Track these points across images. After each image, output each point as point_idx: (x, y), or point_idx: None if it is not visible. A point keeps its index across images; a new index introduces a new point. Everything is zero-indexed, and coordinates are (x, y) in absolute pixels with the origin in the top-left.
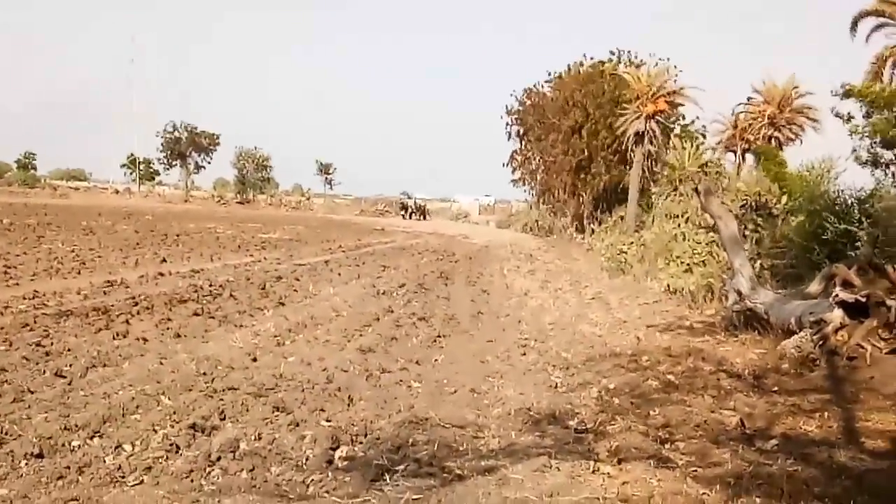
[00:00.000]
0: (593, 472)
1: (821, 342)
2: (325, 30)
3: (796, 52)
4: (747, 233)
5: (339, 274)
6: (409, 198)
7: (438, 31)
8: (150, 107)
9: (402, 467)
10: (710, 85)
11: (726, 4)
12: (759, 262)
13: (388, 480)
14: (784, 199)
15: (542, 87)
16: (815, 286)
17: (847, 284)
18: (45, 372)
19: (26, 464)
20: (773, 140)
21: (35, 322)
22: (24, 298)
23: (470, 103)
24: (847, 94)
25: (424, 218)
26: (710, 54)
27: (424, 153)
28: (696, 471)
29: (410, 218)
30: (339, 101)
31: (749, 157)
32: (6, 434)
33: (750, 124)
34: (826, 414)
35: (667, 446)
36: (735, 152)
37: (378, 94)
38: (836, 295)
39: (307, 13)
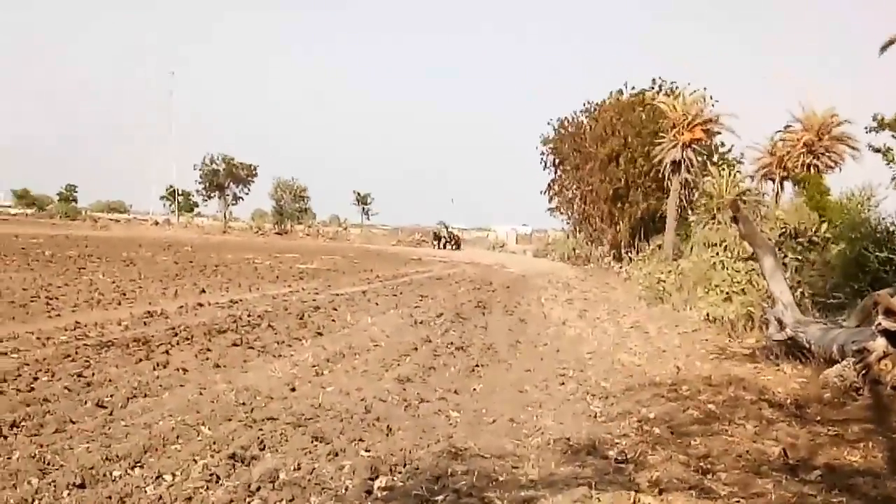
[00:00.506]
0: (634, 502)
1: (864, 371)
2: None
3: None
4: (787, 261)
5: (377, 304)
6: (446, 227)
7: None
8: (185, 139)
9: (441, 498)
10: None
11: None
12: (799, 290)
13: None
14: (824, 226)
15: (578, 116)
16: (857, 315)
17: (890, 313)
18: (86, 402)
19: (68, 494)
20: (811, 168)
21: (76, 353)
22: (66, 329)
23: (508, 132)
24: (880, 125)
25: (458, 247)
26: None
27: (462, 184)
28: (738, 502)
29: (444, 248)
30: (376, 133)
31: (787, 184)
32: (49, 464)
33: (788, 152)
34: (870, 444)
35: (708, 477)
36: (773, 180)
37: (417, 125)
38: (879, 323)
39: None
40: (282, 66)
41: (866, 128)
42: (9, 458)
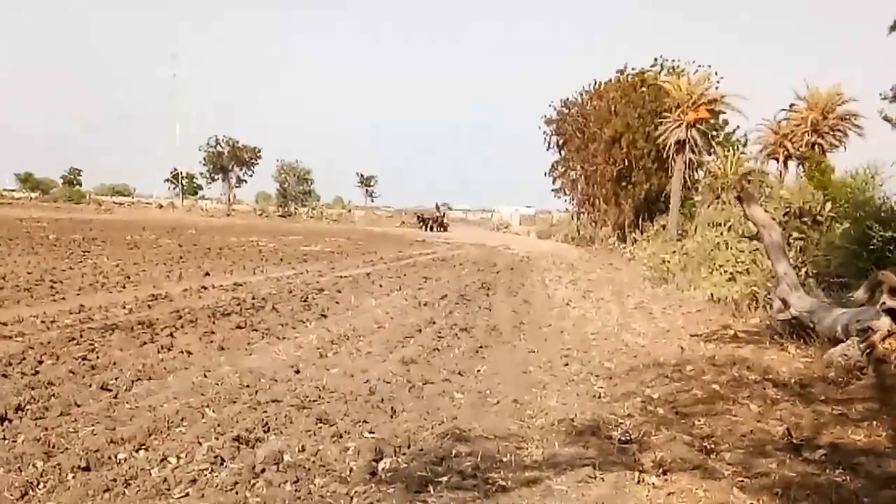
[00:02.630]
0: (638, 482)
1: (868, 350)
2: (373, 37)
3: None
4: (791, 240)
5: (381, 286)
6: (438, 207)
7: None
8: (189, 122)
9: (445, 479)
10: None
11: None
12: (803, 269)
13: (431, 492)
14: (828, 205)
15: (581, 97)
16: (861, 294)
17: (894, 292)
18: (91, 385)
19: (73, 476)
20: (816, 146)
21: (81, 336)
22: (71, 313)
23: (512, 114)
24: None
25: (444, 229)
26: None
27: (466, 164)
28: (742, 481)
29: (431, 231)
30: (380, 113)
31: (791, 164)
32: (54, 447)
33: (792, 131)
34: (874, 423)
35: (712, 457)
36: (777, 159)
37: (421, 106)
38: (884, 302)
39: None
40: (284, 48)
41: (881, 94)
42: (14, 442)
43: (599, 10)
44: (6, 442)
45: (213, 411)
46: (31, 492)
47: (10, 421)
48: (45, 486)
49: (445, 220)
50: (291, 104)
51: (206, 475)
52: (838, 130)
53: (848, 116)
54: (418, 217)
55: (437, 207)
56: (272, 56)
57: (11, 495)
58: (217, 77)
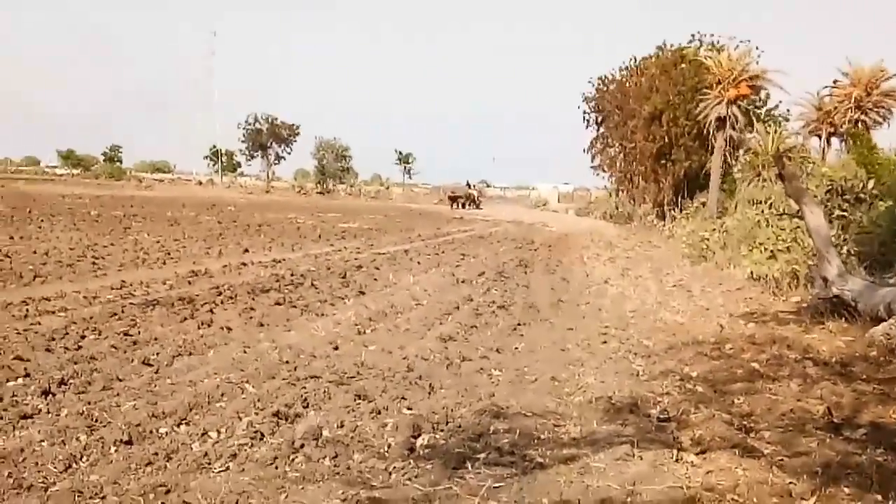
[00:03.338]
0: (676, 461)
1: None
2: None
3: None
4: (833, 218)
5: (419, 263)
6: (469, 185)
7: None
8: (228, 99)
9: (483, 455)
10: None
11: None
12: (845, 248)
13: (469, 468)
14: (871, 183)
15: (620, 73)
16: None
17: None
18: (132, 360)
19: (116, 450)
20: (859, 123)
21: (123, 312)
22: (112, 288)
23: (549, 90)
24: None
25: (477, 206)
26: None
27: (505, 141)
28: (782, 460)
29: (462, 208)
30: (416, 90)
31: (834, 141)
32: (96, 421)
33: (835, 107)
34: None
35: (751, 435)
36: (820, 136)
37: (458, 82)
38: None
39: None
40: (323, 23)
41: None
42: (57, 416)
43: None
44: (50, 416)
45: (253, 387)
46: (74, 465)
47: (54, 395)
48: (87, 460)
49: (479, 198)
50: (330, 81)
51: (245, 450)
52: (882, 107)
53: (892, 93)
54: (449, 196)
55: (469, 185)
56: (312, 32)
57: (55, 468)
58: (256, 54)
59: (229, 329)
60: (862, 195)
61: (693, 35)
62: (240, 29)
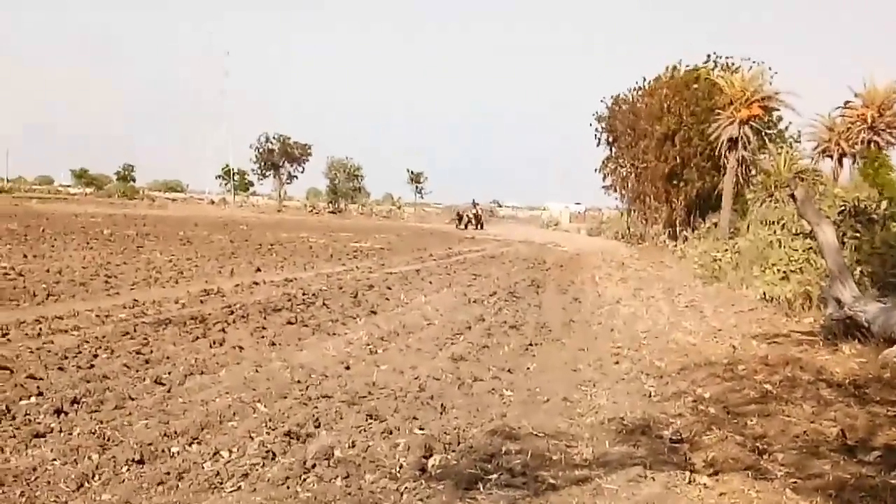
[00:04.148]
0: (689, 483)
1: None
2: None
3: None
4: (846, 239)
5: (431, 282)
6: (475, 205)
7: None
8: (241, 119)
9: (494, 476)
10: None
11: None
12: (858, 268)
13: (480, 489)
14: (884, 203)
15: (632, 94)
16: None
17: None
18: (144, 379)
19: (128, 469)
20: (872, 144)
21: (135, 330)
22: (125, 307)
23: (563, 112)
24: None
25: (481, 227)
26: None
27: (516, 161)
28: (795, 482)
29: (466, 228)
30: (430, 111)
31: (846, 161)
32: (108, 440)
33: (848, 128)
34: None
35: (765, 457)
36: (832, 157)
37: (469, 102)
38: None
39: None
40: (332, 44)
41: None
42: (70, 434)
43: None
44: (62, 434)
45: (265, 406)
46: (86, 483)
47: (66, 413)
48: (99, 479)
49: (482, 217)
50: (342, 100)
51: (257, 469)
52: (895, 128)
53: None
54: (457, 214)
55: (474, 204)
56: (322, 53)
57: (67, 487)
58: (268, 74)
59: (241, 348)
60: (874, 216)
61: (709, 55)
62: (252, 48)
